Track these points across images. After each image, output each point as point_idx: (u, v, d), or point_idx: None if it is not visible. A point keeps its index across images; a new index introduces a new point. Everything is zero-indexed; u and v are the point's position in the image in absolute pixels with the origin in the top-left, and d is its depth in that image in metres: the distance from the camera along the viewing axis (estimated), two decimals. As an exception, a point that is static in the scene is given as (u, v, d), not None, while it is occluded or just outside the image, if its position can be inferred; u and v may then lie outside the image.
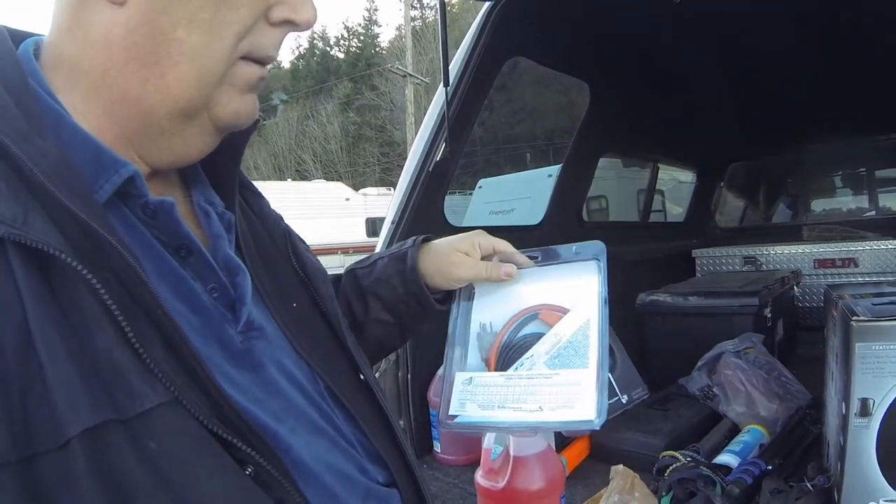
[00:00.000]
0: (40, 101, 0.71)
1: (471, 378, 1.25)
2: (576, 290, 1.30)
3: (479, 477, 1.73)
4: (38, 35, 0.82)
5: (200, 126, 0.79)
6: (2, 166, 0.63)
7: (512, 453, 1.66)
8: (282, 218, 1.07)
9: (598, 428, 1.07)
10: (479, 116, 3.01)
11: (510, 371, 1.21)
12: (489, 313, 1.32)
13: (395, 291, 1.26)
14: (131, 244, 0.68)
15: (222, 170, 0.90)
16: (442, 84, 2.63)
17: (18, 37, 0.79)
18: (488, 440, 1.79)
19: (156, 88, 0.74)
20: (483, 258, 1.27)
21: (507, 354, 1.26)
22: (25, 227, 0.60)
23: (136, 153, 0.78)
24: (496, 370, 1.24)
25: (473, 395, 1.22)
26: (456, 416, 1.23)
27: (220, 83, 0.77)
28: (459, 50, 2.80)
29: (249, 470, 0.68)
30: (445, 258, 1.26)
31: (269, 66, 0.83)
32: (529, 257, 1.32)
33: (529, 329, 1.28)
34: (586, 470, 2.31)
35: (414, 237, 1.31)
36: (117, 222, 0.71)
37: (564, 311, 1.26)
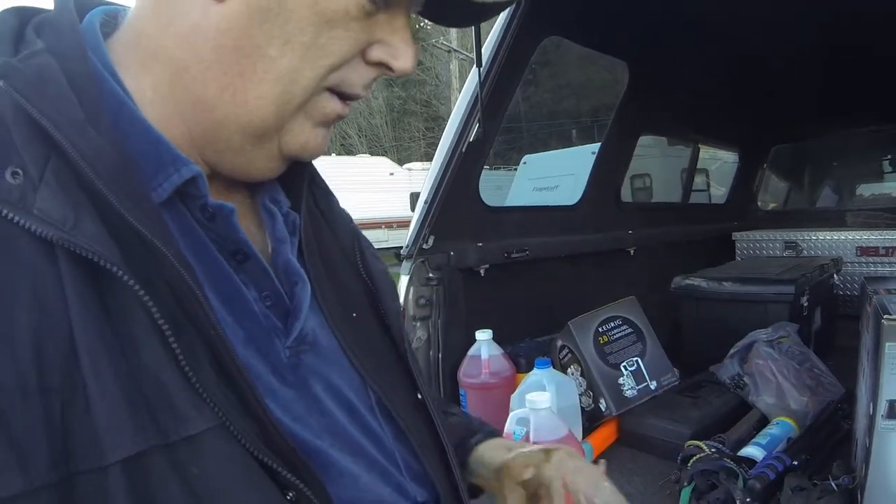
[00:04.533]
0: (101, 83, 0.67)
1: None
2: None
3: (500, 462, 1.73)
4: (107, 4, 0.78)
5: (268, 150, 0.75)
6: (53, 158, 0.60)
7: (532, 439, 1.66)
8: (351, 218, 1.01)
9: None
10: (518, 94, 2.98)
11: None
12: None
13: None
14: (185, 246, 0.66)
15: (291, 167, 0.83)
16: (475, 65, 2.60)
17: (84, 4, 0.75)
18: (509, 424, 1.79)
19: (233, 100, 0.69)
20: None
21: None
22: (76, 231, 0.57)
23: (199, 155, 0.74)
24: None
25: None
26: None
27: (298, 110, 0.73)
28: (493, 30, 2.76)
29: (291, 495, 0.66)
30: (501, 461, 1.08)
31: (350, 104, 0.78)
32: None
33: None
34: (612, 455, 2.31)
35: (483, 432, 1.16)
36: (172, 222, 0.68)
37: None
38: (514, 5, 2.71)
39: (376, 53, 0.74)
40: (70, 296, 0.57)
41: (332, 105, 0.76)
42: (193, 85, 0.69)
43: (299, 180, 0.87)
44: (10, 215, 0.56)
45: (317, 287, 0.84)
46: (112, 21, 0.76)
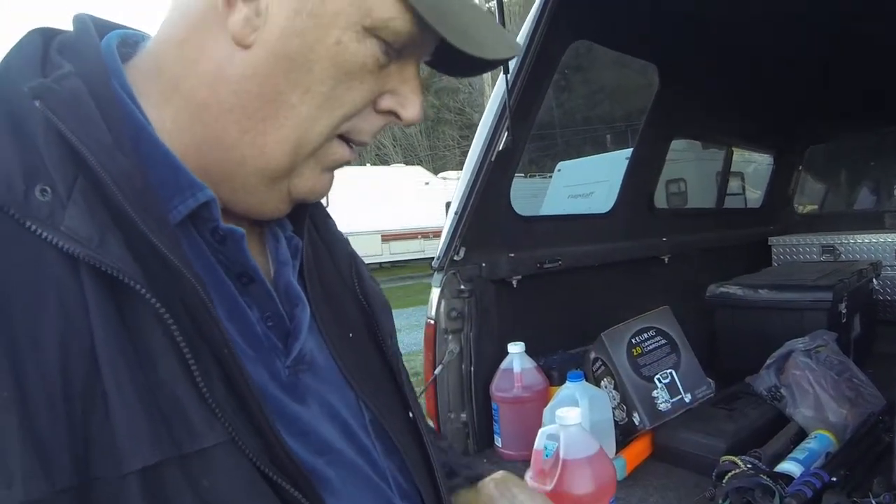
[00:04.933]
0: (122, 107, 0.69)
1: None
2: None
3: (529, 478, 1.72)
4: (123, 28, 0.80)
5: (279, 192, 0.78)
6: (81, 178, 0.62)
7: (562, 456, 1.64)
8: (348, 241, 1.04)
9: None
10: (552, 97, 2.96)
11: None
12: None
13: None
14: (197, 267, 0.67)
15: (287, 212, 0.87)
16: (502, 72, 2.58)
17: (101, 28, 0.77)
18: (539, 440, 1.77)
19: (252, 142, 0.72)
20: None
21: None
22: (101, 249, 0.60)
23: (212, 189, 0.75)
24: None
25: None
26: None
27: (310, 156, 0.76)
28: (520, 35, 2.75)
29: None
30: None
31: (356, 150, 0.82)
32: None
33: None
34: (645, 471, 2.28)
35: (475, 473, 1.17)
36: (185, 244, 0.69)
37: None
38: (540, 13, 2.69)
39: (386, 103, 0.77)
40: (92, 310, 0.59)
41: (342, 151, 0.79)
42: (214, 124, 0.72)
43: (302, 208, 0.89)
44: (40, 231, 0.58)
45: (316, 309, 0.86)
46: (129, 48, 0.77)
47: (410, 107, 0.78)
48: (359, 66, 0.71)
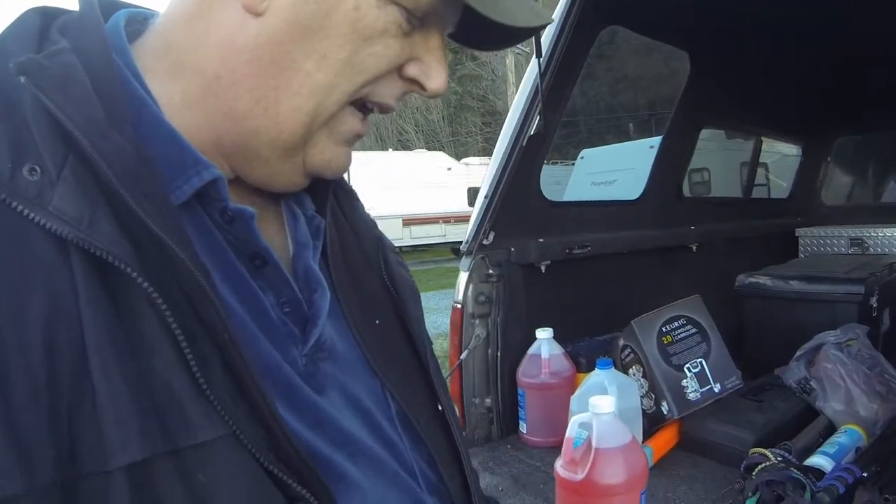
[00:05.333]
0: (124, 84, 0.67)
1: None
2: None
3: (559, 466, 1.71)
4: (132, 7, 0.79)
5: (294, 164, 0.75)
6: (71, 158, 0.60)
7: (594, 445, 1.62)
8: (375, 224, 1.01)
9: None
10: (576, 87, 2.95)
11: None
12: None
13: None
14: (202, 249, 0.66)
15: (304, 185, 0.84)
16: (535, 55, 2.56)
17: (109, 6, 0.76)
18: (571, 428, 1.75)
19: (265, 111, 0.70)
20: None
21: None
22: (91, 229, 0.57)
23: (225, 162, 0.74)
24: None
25: None
26: None
27: (324, 125, 0.73)
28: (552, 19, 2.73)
29: None
30: None
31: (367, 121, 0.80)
32: None
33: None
34: (672, 461, 2.27)
35: None
36: (191, 225, 0.68)
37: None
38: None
39: (412, 70, 0.75)
40: (81, 295, 0.57)
41: (354, 122, 0.76)
42: (226, 95, 0.70)
43: (325, 183, 0.86)
44: (26, 212, 0.56)
45: (340, 294, 0.84)
46: (138, 25, 0.76)
47: (435, 77, 0.76)
48: (379, 31, 0.69)
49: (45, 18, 0.69)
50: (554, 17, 2.70)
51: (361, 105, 0.76)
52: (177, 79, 0.71)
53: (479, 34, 0.78)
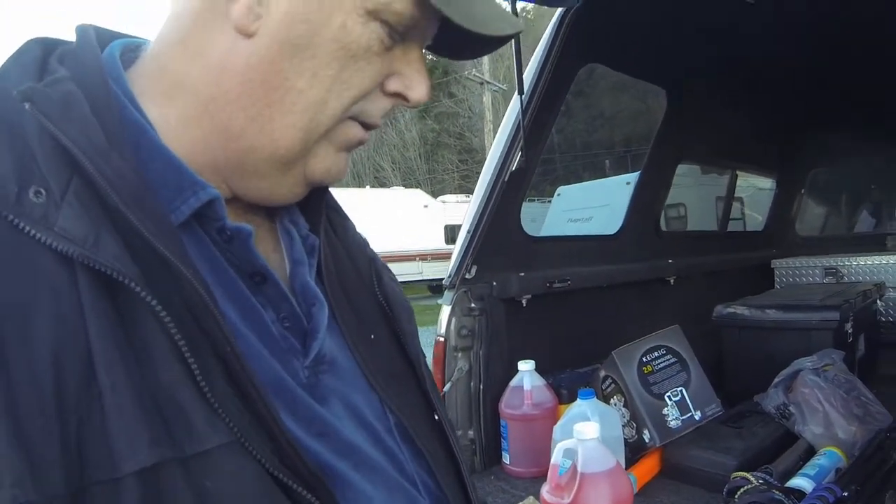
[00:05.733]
0: (122, 110, 0.69)
1: None
2: None
3: (545, 492, 1.73)
4: (127, 37, 0.80)
5: (293, 176, 0.77)
6: (76, 181, 0.61)
7: (580, 470, 1.65)
8: (367, 243, 1.03)
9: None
10: (556, 123, 3.00)
11: None
12: None
13: None
14: (202, 267, 0.67)
15: (310, 192, 0.85)
16: (517, 92, 2.62)
17: (105, 37, 0.78)
18: (556, 456, 1.78)
19: (261, 129, 0.72)
20: None
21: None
22: (96, 249, 0.58)
23: (223, 182, 0.76)
24: None
25: None
26: None
27: (322, 138, 0.75)
28: (533, 57, 2.79)
29: None
30: None
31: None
32: None
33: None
34: (656, 488, 2.29)
35: None
36: (191, 245, 0.69)
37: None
38: (554, 36, 2.74)
39: (394, 85, 0.77)
40: (88, 312, 0.58)
41: (355, 131, 0.78)
42: (220, 115, 0.71)
43: (318, 204, 0.89)
44: (33, 232, 0.57)
45: (336, 309, 0.85)
46: (132, 53, 0.78)
47: (417, 88, 0.78)
48: (364, 48, 0.71)
49: (45, 49, 0.71)
50: (535, 53, 2.76)
51: (360, 123, 0.78)
52: (172, 101, 0.73)
53: (455, 44, 0.81)
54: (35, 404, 0.54)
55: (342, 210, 1.00)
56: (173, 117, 0.72)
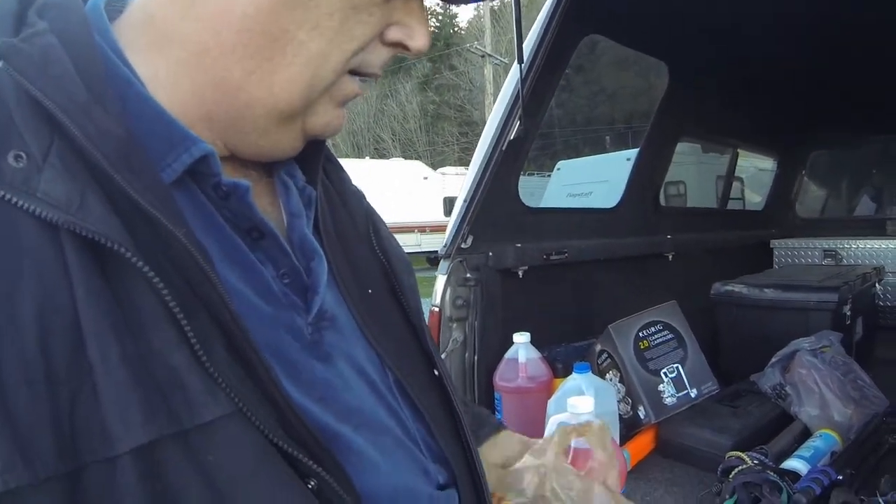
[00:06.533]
0: (107, 64, 0.65)
1: None
2: None
3: (537, 468, 1.70)
4: None
5: (292, 131, 0.75)
6: (57, 141, 0.58)
7: (573, 444, 1.62)
8: (364, 195, 1.01)
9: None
10: (556, 97, 2.96)
11: None
12: None
13: None
14: (198, 226, 0.65)
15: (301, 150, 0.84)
16: (516, 61, 2.58)
17: None
18: (550, 429, 1.75)
19: (260, 82, 0.69)
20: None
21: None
22: (82, 212, 0.56)
23: (218, 138, 0.73)
24: None
25: None
26: None
27: (324, 93, 0.73)
28: (534, 27, 2.75)
29: (312, 484, 0.64)
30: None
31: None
32: None
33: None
34: (649, 465, 2.28)
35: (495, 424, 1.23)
36: (184, 202, 0.67)
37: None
38: (555, 6, 2.69)
39: (394, 34, 0.75)
40: (75, 280, 0.55)
41: (353, 86, 0.76)
42: (215, 68, 0.68)
43: (315, 155, 0.87)
44: (14, 199, 0.54)
45: (333, 262, 0.83)
46: (117, 2, 0.74)
47: (418, 37, 0.76)
48: None
49: (22, 1, 0.68)
50: (535, 24, 2.72)
51: (358, 74, 0.76)
52: (161, 53, 0.69)
53: None
54: (23, 382, 0.52)
55: (338, 161, 0.98)
56: (162, 70, 0.69)
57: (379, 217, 0.99)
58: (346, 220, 0.93)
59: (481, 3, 0.95)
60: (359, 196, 0.99)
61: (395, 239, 0.99)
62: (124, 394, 0.55)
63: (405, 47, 0.77)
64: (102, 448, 0.53)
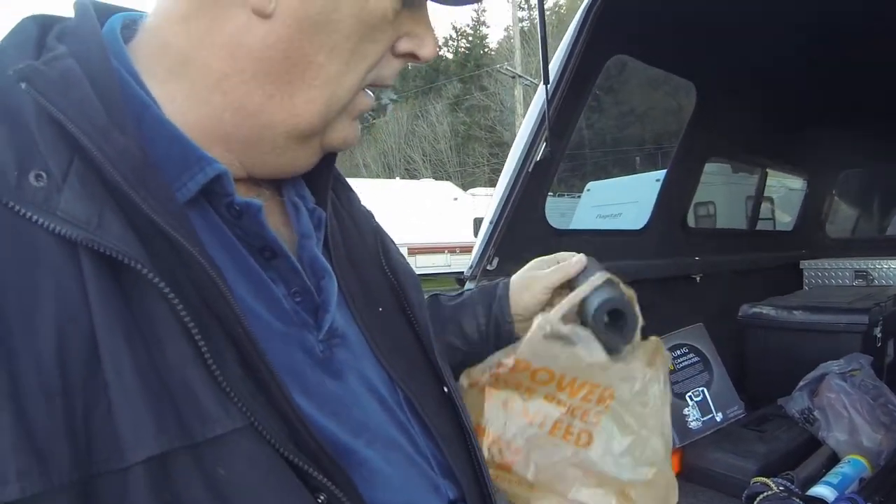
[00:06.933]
0: (124, 87, 0.67)
1: None
2: None
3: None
4: (127, 10, 0.79)
5: (310, 147, 0.78)
6: (77, 162, 0.60)
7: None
8: (372, 215, 1.03)
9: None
10: (583, 117, 2.95)
11: None
12: None
13: (476, 319, 1.23)
14: (211, 244, 0.66)
15: (315, 165, 0.86)
16: (542, 82, 2.57)
17: (103, 11, 0.76)
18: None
19: (280, 105, 0.72)
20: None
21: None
22: (100, 230, 0.57)
23: (235, 158, 0.75)
24: None
25: None
26: None
27: (342, 110, 0.76)
28: (560, 47, 2.74)
29: (322, 498, 0.65)
30: (528, 273, 1.27)
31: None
32: None
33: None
34: (674, 490, 2.24)
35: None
36: (198, 221, 0.68)
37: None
38: (581, 26, 2.69)
39: (404, 45, 0.78)
40: (92, 296, 0.57)
41: (368, 101, 0.80)
42: (235, 92, 0.70)
43: (325, 177, 0.88)
44: (35, 217, 0.56)
45: (342, 282, 0.84)
46: (132, 26, 0.76)
47: (427, 45, 0.79)
48: (380, 17, 0.72)
49: (42, 26, 0.70)
50: (562, 44, 2.72)
51: (371, 87, 0.79)
52: (177, 78, 0.71)
53: None
54: (40, 393, 0.53)
55: (346, 182, 1.00)
56: (180, 94, 0.71)
57: (387, 235, 1.01)
58: (356, 239, 0.94)
59: (481, 3, 0.97)
60: (368, 215, 1.01)
61: (402, 256, 1.00)
62: (137, 405, 0.56)
63: (416, 57, 0.79)
64: (114, 459, 0.54)
